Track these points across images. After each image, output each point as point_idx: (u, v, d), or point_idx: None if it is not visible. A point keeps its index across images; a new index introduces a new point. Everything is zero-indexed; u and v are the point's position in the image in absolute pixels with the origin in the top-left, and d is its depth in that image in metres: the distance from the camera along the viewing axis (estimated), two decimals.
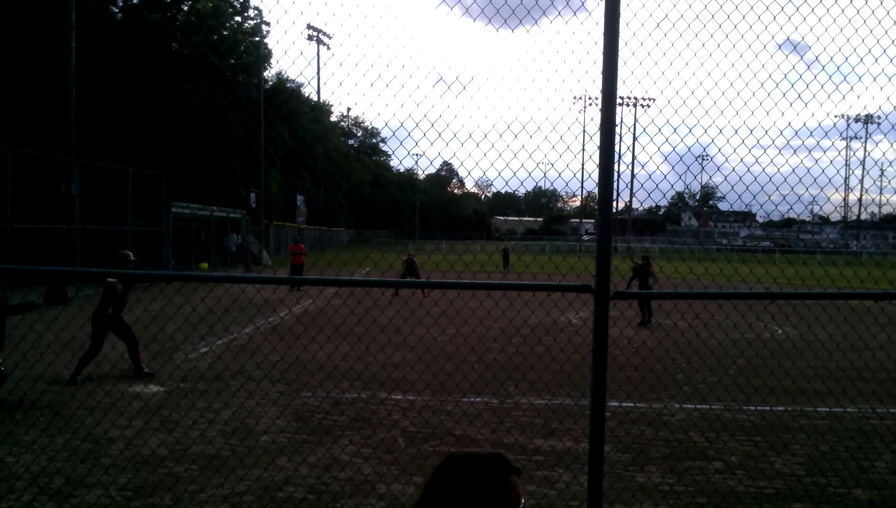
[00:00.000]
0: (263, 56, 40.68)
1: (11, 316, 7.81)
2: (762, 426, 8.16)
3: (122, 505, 5.54)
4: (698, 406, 8.83)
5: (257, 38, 41.07)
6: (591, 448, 3.61)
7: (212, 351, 12.02)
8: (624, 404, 8.73)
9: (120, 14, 34.80)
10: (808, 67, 4.48)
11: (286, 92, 47.35)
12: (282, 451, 6.89)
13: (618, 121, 3.64)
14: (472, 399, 9.01)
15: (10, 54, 21.29)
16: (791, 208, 5.06)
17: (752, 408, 8.81)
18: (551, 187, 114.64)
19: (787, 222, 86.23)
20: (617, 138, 3.59)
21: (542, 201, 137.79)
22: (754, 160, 4.35)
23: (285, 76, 48.25)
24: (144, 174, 25.59)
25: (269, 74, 44.99)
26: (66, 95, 23.82)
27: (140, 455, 6.65)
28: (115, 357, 10.54)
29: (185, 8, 39.29)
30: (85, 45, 25.67)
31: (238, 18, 41.76)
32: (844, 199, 68.65)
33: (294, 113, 48.90)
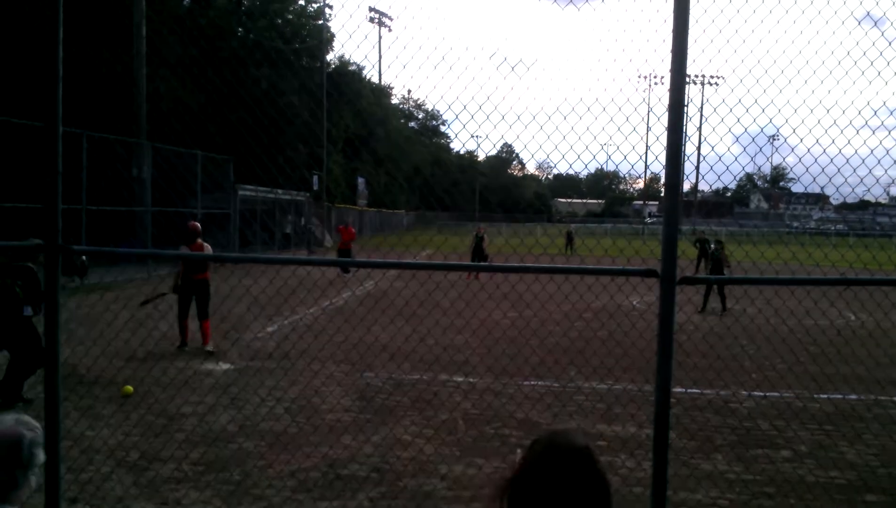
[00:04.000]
0: (326, 39, 41.03)
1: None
2: (834, 415, 7.92)
3: (194, 479, 5.75)
4: (767, 394, 8.61)
5: (321, 22, 41.43)
6: (656, 433, 3.56)
7: (278, 331, 12.31)
8: (690, 390, 8.58)
9: (187, 0, 35.58)
10: (890, 42, 4.27)
11: (348, 75, 47.69)
12: (346, 430, 7.02)
13: (686, 101, 3.55)
14: (534, 383, 9.00)
15: (83, 41, 22.07)
16: (868, 190, 4.86)
17: (824, 396, 8.55)
18: (614, 169, 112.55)
19: (863, 205, 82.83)
20: (685, 119, 3.51)
21: (604, 183, 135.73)
22: (830, 141, 4.16)
23: (348, 59, 48.59)
24: (212, 157, 26.24)
25: (331, 57, 45.38)
26: (137, 80, 24.56)
27: (212, 430, 6.88)
28: (194, 338, 10.87)
29: None
30: (154, 30, 26.39)
31: (302, 2, 42.17)
32: None
33: (356, 96, 49.28)
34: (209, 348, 10.50)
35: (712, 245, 16.97)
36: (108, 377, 8.39)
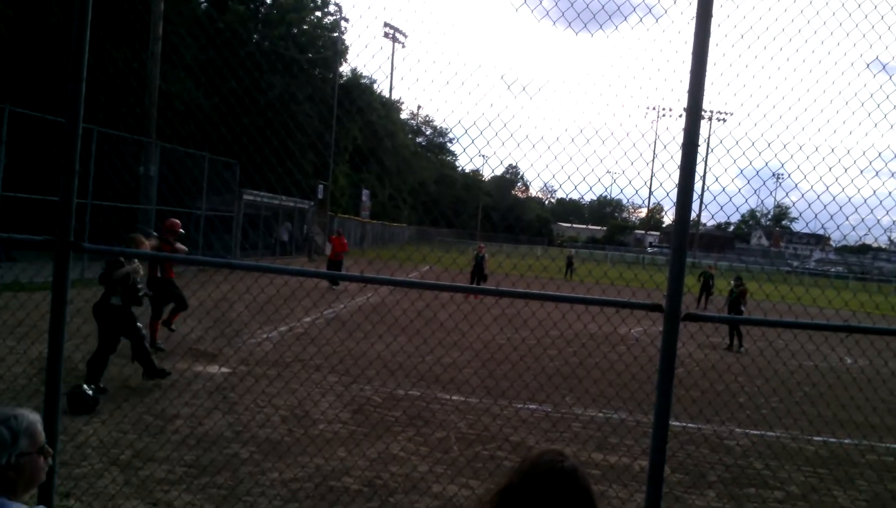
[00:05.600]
0: (340, 52, 41.29)
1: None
2: (827, 458, 7.92)
3: (187, 482, 5.74)
4: (764, 434, 8.61)
5: (336, 34, 41.70)
6: (652, 466, 3.57)
7: (277, 337, 12.30)
8: (687, 425, 8.58)
9: (206, 4, 35.85)
10: None
11: (360, 88, 47.91)
12: (342, 442, 7.02)
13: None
14: (531, 407, 9.00)
15: (101, 38, 22.24)
16: (869, 232, 4.91)
17: (819, 439, 8.55)
18: (618, 197, 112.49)
19: (863, 248, 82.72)
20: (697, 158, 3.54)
21: (606, 210, 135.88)
22: (834, 181, 4.21)
23: (360, 72, 48.84)
24: (219, 160, 26.31)
25: (344, 69, 45.61)
26: (151, 79, 24.69)
27: (207, 434, 6.88)
28: (190, 339, 10.87)
29: (269, 1, 40.21)
30: (172, 31, 26.60)
31: (318, 13, 42.47)
32: None
33: (367, 108, 49.48)
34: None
35: (732, 282, 16.97)
36: (108, 375, 8.37)
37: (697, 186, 3.89)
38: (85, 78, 3.96)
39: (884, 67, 4.59)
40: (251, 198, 29.49)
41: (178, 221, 11.28)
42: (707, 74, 3.45)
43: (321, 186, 39.95)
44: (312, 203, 38.32)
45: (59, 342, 4.06)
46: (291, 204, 35.18)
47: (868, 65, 4.31)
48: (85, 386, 7.40)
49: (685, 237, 3.55)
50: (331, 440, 7.02)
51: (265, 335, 12.37)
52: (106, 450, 6.22)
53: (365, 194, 54.59)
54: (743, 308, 16.20)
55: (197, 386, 8.58)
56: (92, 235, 18.79)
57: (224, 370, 9.68)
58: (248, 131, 27.07)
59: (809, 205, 4.57)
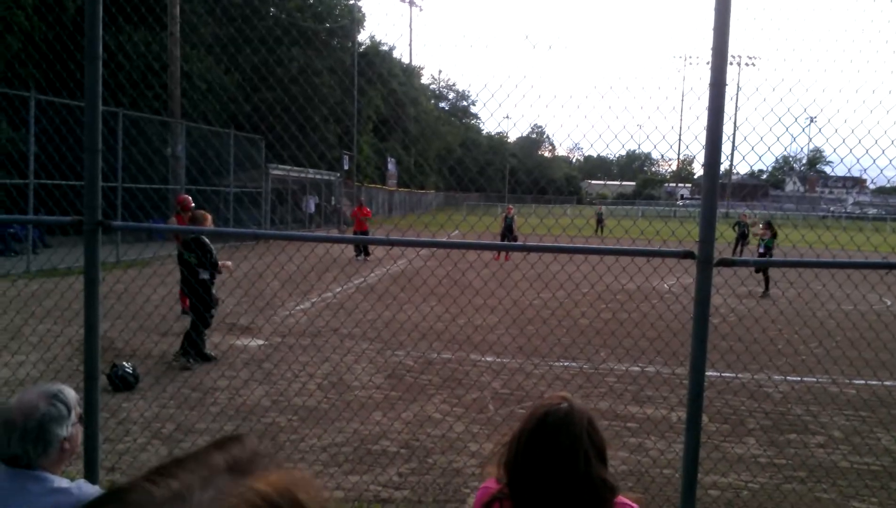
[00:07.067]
0: (358, 20, 40.92)
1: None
2: (870, 400, 7.80)
3: None
4: (804, 379, 8.50)
5: (352, 2, 41.31)
6: (689, 416, 3.53)
7: (311, 308, 12.42)
8: (723, 374, 8.49)
9: None
10: None
11: (379, 55, 47.53)
12: (377, 406, 7.07)
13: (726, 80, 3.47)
14: (565, 364, 8.98)
15: (118, 23, 22.30)
16: None
17: (861, 382, 8.41)
18: (647, 150, 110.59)
19: None
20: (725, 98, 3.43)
21: (635, 164, 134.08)
22: (868, 114, 4.04)
23: (379, 40, 48.42)
24: (245, 137, 26.41)
25: (363, 37, 45.22)
26: (171, 60, 24.76)
27: (245, 404, 6.98)
28: (224, 313, 11.00)
29: None
30: (190, 9, 26.57)
31: None
32: None
33: (388, 75, 49.12)
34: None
35: (761, 226, 16.86)
36: (145, 352, 8.54)
37: (728, 129, 3.76)
38: (101, 56, 3.96)
39: None
40: (278, 173, 29.64)
41: (188, 196, 11.49)
42: (731, 10, 3.33)
43: (346, 157, 39.94)
44: (339, 175, 38.37)
45: (94, 318, 4.11)
46: (318, 177, 35.29)
47: None
48: (125, 364, 7.54)
49: (716, 181, 3.48)
50: (367, 405, 7.08)
51: (296, 306, 12.49)
52: (148, 424, 6.35)
53: (391, 162, 54.50)
54: (775, 250, 16.07)
55: (234, 359, 8.71)
56: (125, 217, 19.06)
57: (258, 341, 9.81)
58: (271, 106, 27.10)
59: (843, 140, 4.42)
